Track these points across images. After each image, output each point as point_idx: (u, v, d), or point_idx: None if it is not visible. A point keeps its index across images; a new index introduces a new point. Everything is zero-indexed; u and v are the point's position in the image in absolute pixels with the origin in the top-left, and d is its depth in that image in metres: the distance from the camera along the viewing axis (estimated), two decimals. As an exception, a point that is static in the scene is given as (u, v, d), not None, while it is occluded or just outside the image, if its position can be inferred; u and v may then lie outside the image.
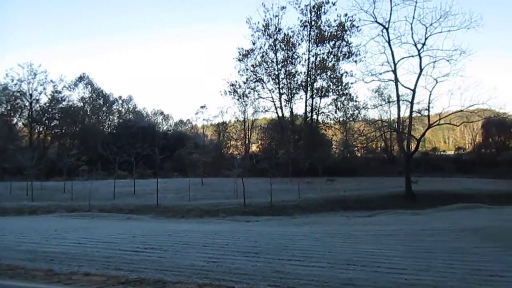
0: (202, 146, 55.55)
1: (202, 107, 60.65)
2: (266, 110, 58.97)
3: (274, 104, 57.04)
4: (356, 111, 55.85)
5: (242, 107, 59.90)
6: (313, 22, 53.74)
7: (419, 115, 37.16)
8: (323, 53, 54.89)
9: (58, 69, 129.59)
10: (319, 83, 55.81)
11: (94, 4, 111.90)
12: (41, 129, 61.84)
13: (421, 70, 31.09)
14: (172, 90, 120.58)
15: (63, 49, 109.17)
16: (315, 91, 55.44)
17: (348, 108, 55.86)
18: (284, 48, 55.68)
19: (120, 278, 6.71)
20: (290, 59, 55.86)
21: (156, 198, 26.55)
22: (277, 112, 57.66)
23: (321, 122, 57.98)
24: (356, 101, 55.29)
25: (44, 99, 60.30)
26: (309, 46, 54.70)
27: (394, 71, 32.49)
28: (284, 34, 55.02)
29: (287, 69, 56.05)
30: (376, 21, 32.82)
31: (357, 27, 49.10)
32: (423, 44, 31.03)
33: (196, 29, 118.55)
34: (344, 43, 53.75)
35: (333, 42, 53.93)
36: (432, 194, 28.70)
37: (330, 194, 28.75)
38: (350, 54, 53.42)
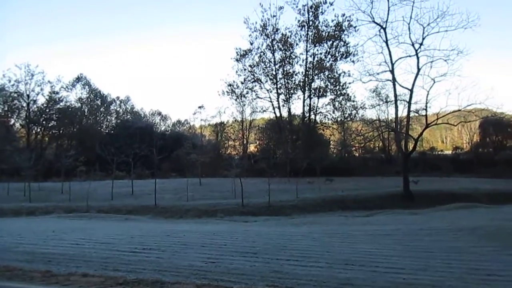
0: (200, 147, 55.61)
1: (200, 107, 60.69)
2: (264, 110, 59.21)
3: (272, 104, 57.24)
4: (354, 111, 56.03)
5: (240, 107, 60.11)
6: (310, 22, 53.88)
7: (416, 115, 37.20)
8: (321, 53, 55.14)
9: (55, 70, 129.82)
10: (316, 83, 56.02)
11: (91, 5, 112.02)
12: (38, 130, 61.66)
13: (418, 70, 31.13)
14: (170, 90, 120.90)
15: (61, 50, 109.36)
16: (312, 91, 55.60)
17: (346, 108, 56.09)
18: (282, 48, 55.77)
19: (118, 279, 6.72)
20: (287, 59, 55.99)
21: (154, 198, 26.54)
22: (275, 112, 57.89)
23: (319, 122, 58.13)
24: (353, 101, 55.55)
25: (41, 100, 60.31)
26: (306, 46, 54.93)
27: (392, 71, 32.54)
28: (282, 34, 55.21)
29: (285, 69, 56.21)
30: (374, 21, 32.88)
31: (355, 27, 49.29)
32: (421, 44, 31.10)
33: (193, 30, 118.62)
34: (342, 43, 53.97)
35: (331, 42, 54.10)
36: (430, 194, 28.73)
37: (328, 194, 28.76)
38: (348, 54, 53.62)
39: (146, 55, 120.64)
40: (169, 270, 7.79)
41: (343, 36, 53.44)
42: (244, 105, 59.68)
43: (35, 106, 59.61)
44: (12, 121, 60.54)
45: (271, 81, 56.89)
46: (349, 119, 57.22)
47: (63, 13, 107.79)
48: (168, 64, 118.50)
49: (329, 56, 54.75)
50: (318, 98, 55.89)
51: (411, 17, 31.24)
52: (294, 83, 56.55)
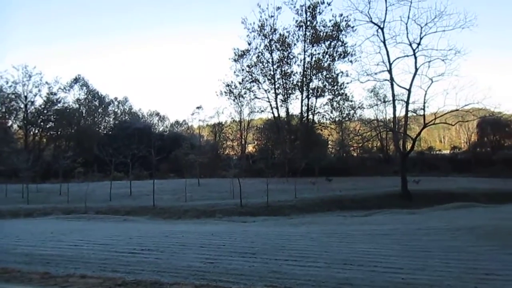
0: (198, 147, 55.62)
1: (198, 107, 60.79)
2: (262, 111, 59.26)
3: (270, 104, 57.30)
4: (352, 111, 56.02)
5: (238, 107, 60.21)
6: (308, 22, 53.88)
7: (414, 114, 37.27)
8: (319, 53, 55.12)
9: (53, 71, 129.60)
10: (314, 83, 56.05)
11: (89, 5, 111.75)
12: (36, 131, 61.55)
13: (416, 69, 31.20)
14: (168, 91, 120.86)
15: (58, 51, 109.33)
16: (310, 91, 55.60)
17: (343, 108, 56.07)
18: (280, 48, 55.83)
19: (116, 280, 6.71)
20: (285, 59, 56.01)
21: (153, 199, 26.52)
22: (273, 112, 57.91)
23: (317, 122, 58.14)
24: (351, 101, 55.54)
25: (39, 101, 60.21)
26: (304, 46, 54.91)
27: (390, 71, 32.59)
28: (280, 34, 55.24)
29: (283, 69, 56.23)
30: (371, 21, 32.91)
31: (352, 27, 49.37)
32: (418, 44, 31.15)
33: (191, 30, 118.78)
34: (340, 43, 54.00)
35: (329, 42, 54.13)
36: (428, 193, 28.78)
37: (327, 194, 28.78)
38: (346, 54, 53.67)
39: (144, 55, 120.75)
40: (167, 271, 7.79)
41: (340, 36, 53.56)
42: (242, 105, 59.88)
43: (32, 107, 59.58)
44: (10, 122, 60.45)
45: (269, 81, 57.03)
46: (347, 119, 57.29)
47: (60, 14, 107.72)
48: (166, 65, 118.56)
49: (327, 56, 54.84)
50: (316, 98, 56.06)
51: (408, 17, 31.35)
52: (292, 83, 56.68)
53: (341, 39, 53.68)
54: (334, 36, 53.40)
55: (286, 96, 56.65)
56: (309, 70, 55.28)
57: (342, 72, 54.49)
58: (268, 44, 55.66)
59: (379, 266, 8.00)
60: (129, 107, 75.70)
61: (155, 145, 32.31)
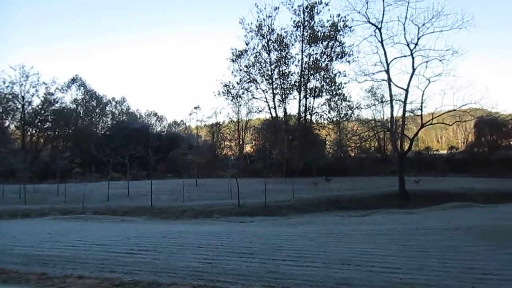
0: (196, 147, 55.56)
1: (195, 108, 60.62)
2: (260, 111, 59.23)
3: (268, 105, 57.27)
4: (350, 111, 56.22)
5: (235, 107, 60.16)
6: (306, 23, 53.96)
7: (412, 114, 37.41)
8: (316, 53, 55.16)
9: (50, 71, 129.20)
10: (312, 83, 56.09)
11: (86, 6, 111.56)
12: (33, 131, 61.48)
13: (413, 70, 31.23)
14: (165, 91, 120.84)
15: (55, 51, 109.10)
16: (308, 91, 55.64)
17: (341, 108, 56.17)
18: (277, 49, 55.83)
19: (114, 280, 6.70)
20: (283, 60, 56.03)
21: (150, 199, 26.45)
22: (270, 113, 57.89)
23: (314, 122, 58.16)
24: (349, 101, 55.70)
25: (36, 101, 60.11)
26: (302, 46, 54.93)
27: (387, 71, 32.62)
28: (277, 34, 55.25)
29: (281, 69, 56.23)
30: (369, 21, 32.95)
31: (350, 27, 49.73)
32: (416, 44, 31.19)
33: (189, 30, 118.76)
34: (337, 43, 54.11)
35: (326, 42, 54.16)
36: (426, 193, 28.81)
37: (324, 194, 28.77)
38: (343, 54, 53.77)
39: (142, 56, 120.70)
40: (165, 271, 7.78)
41: (338, 36, 53.67)
42: (240, 105, 59.83)
43: (30, 107, 59.48)
44: (7, 122, 60.41)
45: (267, 81, 57.00)
46: (344, 119, 57.39)
47: (57, 14, 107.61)
48: (164, 65, 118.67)
49: (325, 56, 54.88)
50: (314, 98, 56.09)
51: (406, 17, 31.37)
52: (290, 83, 56.67)
53: (339, 39, 53.91)
54: (331, 36, 53.50)
55: (284, 96, 56.69)
56: (306, 70, 55.35)
57: (339, 72, 54.70)
58: (266, 44, 55.70)
59: (376, 266, 8.01)
60: (126, 107, 75.80)
61: (152, 145, 32.17)
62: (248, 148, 64.17)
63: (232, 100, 59.12)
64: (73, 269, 7.99)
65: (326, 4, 52.17)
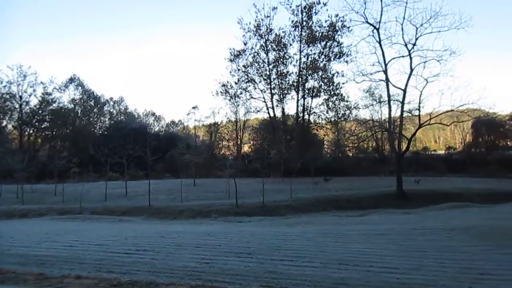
0: (194, 147, 55.54)
1: (193, 107, 60.54)
2: (258, 111, 59.27)
3: (266, 105, 57.30)
4: (348, 111, 56.24)
5: (233, 107, 60.22)
6: (304, 23, 54.01)
7: (410, 115, 37.39)
8: (314, 54, 55.26)
9: (48, 71, 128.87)
10: (310, 83, 56.14)
11: (84, 5, 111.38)
12: (31, 131, 61.38)
13: (411, 70, 31.25)
14: (163, 91, 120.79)
15: (53, 50, 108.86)
16: (306, 91, 55.70)
17: (339, 108, 56.22)
18: (276, 49, 55.85)
19: (112, 280, 6.70)
20: (281, 60, 56.06)
21: (148, 199, 26.41)
22: (268, 113, 57.94)
23: (312, 122, 58.25)
24: (347, 101, 55.74)
25: (34, 101, 60.09)
26: (300, 46, 55.04)
27: (385, 71, 32.64)
28: (276, 34, 55.29)
29: (279, 69, 56.27)
30: (367, 22, 32.96)
31: (348, 27, 49.67)
32: (414, 45, 31.22)
33: (187, 30, 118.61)
34: (335, 43, 54.16)
35: (324, 42, 54.23)
36: (423, 194, 28.84)
37: (322, 194, 28.78)
38: (341, 55, 53.84)
39: (140, 55, 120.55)
40: (163, 271, 7.79)
41: (336, 36, 53.73)
42: (238, 105, 59.90)
43: (27, 107, 59.41)
44: (4, 122, 60.24)
45: (265, 81, 57.05)
46: (342, 119, 57.43)
47: (54, 14, 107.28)
48: (162, 65, 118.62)
49: (323, 56, 54.95)
50: (312, 98, 56.13)
51: (404, 18, 31.38)
52: (288, 83, 56.72)
53: (337, 40, 53.97)
54: (330, 36, 53.55)
55: (282, 96, 56.76)
56: (304, 70, 55.42)
57: (337, 72, 54.80)
58: (264, 44, 55.76)
59: (374, 266, 8.03)
60: (124, 107, 75.79)
61: (150, 145, 32.11)
62: (246, 148, 64.20)
63: (230, 100, 59.27)
64: (71, 269, 7.98)
65: (324, 4, 52.36)
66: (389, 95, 34.80)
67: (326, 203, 26.43)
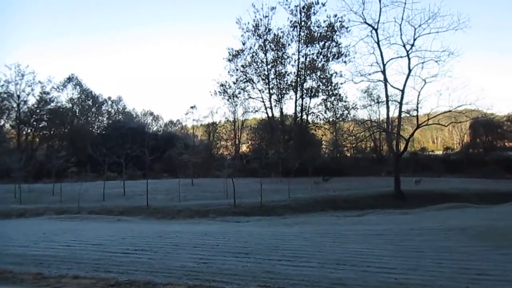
0: (192, 147, 55.45)
1: (192, 107, 60.39)
2: (256, 111, 59.18)
3: (264, 104, 57.23)
4: (346, 111, 56.15)
5: (232, 107, 60.08)
6: (302, 23, 53.94)
7: (408, 115, 37.47)
8: (313, 54, 55.17)
9: (46, 70, 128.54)
10: (308, 84, 56.09)
11: (82, 4, 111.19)
12: (29, 130, 61.07)
13: (409, 70, 31.34)
14: (162, 90, 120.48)
15: (51, 50, 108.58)
16: (304, 91, 55.66)
17: (337, 108, 56.15)
18: (274, 49, 55.81)
19: (109, 280, 6.70)
20: (280, 60, 55.99)
21: (146, 199, 26.42)
22: (267, 112, 57.87)
23: (310, 122, 58.21)
24: (345, 101, 55.63)
25: (32, 101, 59.60)
26: (298, 46, 54.96)
27: (383, 72, 32.71)
28: (274, 34, 55.23)
29: (277, 69, 56.19)
30: (365, 22, 33.01)
31: (347, 28, 49.68)
32: (412, 45, 31.31)
33: (186, 29, 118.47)
34: (334, 43, 54.11)
35: (323, 42, 54.19)
36: (421, 194, 28.92)
37: (320, 194, 28.81)
38: (340, 55, 53.79)
39: (138, 55, 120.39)
40: (161, 271, 7.79)
41: (335, 36, 53.68)
42: (236, 105, 59.73)
43: (25, 106, 59.01)
44: (2, 122, 59.86)
45: (263, 81, 56.98)
46: (341, 119, 57.40)
47: (52, 13, 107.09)
48: (160, 64, 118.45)
49: (321, 56, 54.91)
50: (310, 98, 56.11)
51: (402, 18, 31.49)
52: (286, 83, 56.66)
53: (335, 40, 53.94)
54: (328, 36, 53.52)
55: (280, 96, 56.72)
56: (303, 70, 55.37)
57: (336, 73, 54.79)
58: (262, 44, 55.69)
59: (372, 266, 8.05)
60: (122, 106, 75.48)
61: (148, 144, 32.11)
62: (244, 148, 64.14)
63: (228, 100, 59.14)
64: (68, 269, 7.98)
65: (323, 5, 52.27)
66: (387, 96, 34.89)
67: (324, 203, 26.47)
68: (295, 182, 32.96)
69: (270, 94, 56.57)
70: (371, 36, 33.10)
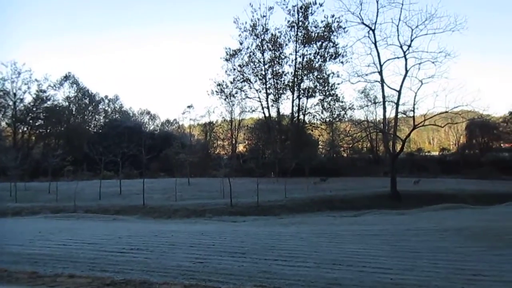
0: (188, 146, 55.32)
1: (189, 106, 60.49)
2: (253, 110, 59.15)
3: (261, 104, 57.19)
4: (342, 112, 56.22)
5: (229, 107, 60.13)
6: (300, 23, 53.94)
7: (404, 116, 37.61)
8: (310, 54, 55.15)
9: (43, 68, 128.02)
10: (305, 84, 56.09)
11: (79, 3, 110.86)
12: (25, 129, 60.90)
13: (406, 71, 31.38)
14: (159, 89, 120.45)
15: (48, 48, 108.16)
16: (301, 91, 55.68)
17: (334, 109, 56.21)
18: (271, 48, 55.78)
19: (105, 279, 6.69)
20: (277, 59, 55.94)
21: (143, 198, 26.36)
22: (264, 112, 57.84)
23: (307, 122, 58.22)
24: (342, 102, 55.72)
25: (28, 99, 59.55)
26: (296, 46, 54.95)
27: (380, 72, 32.75)
28: (272, 34, 55.17)
29: (274, 69, 56.15)
30: (363, 23, 33.06)
31: (344, 28, 49.81)
32: (409, 46, 31.37)
33: (183, 29, 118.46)
34: (331, 44, 54.11)
35: (320, 43, 54.17)
36: (417, 194, 28.99)
37: (316, 194, 28.84)
38: (337, 55, 53.84)
39: (135, 54, 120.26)
40: (157, 270, 7.78)
41: (332, 37, 53.72)
42: (233, 105, 59.79)
43: (21, 104, 58.91)
44: (-2, 120, 59.78)
45: (260, 81, 56.91)
46: (337, 119, 57.42)
47: (50, 10, 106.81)
48: (157, 63, 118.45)
49: (318, 56, 54.92)
50: (307, 99, 56.13)
51: (399, 19, 31.53)
52: (283, 83, 56.62)
53: (333, 40, 53.94)
54: (325, 37, 53.56)
55: (277, 96, 56.67)
56: (300, 70, 55.36)
57: (333, 73, 54.78)
58: (259, 44, 55.61)
59: (368, 267, 8.06)
60: (119, 105, 75.42)
61: (145, 144, 31.99)
62: (241, 148, 64.11)
63: (225, 100, 59.13)
64: (64, 268, 7.96)
65: (321, 5, 52.26)
66: (384, 96, 35.00)
67: (321, 203, 26.50)
68: (292, 182, 32.99)
69: (267, 94, 56.59)
70: (368, 36, 33.21)
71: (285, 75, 56.47)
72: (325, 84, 55.11)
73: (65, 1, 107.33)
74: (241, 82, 57.58)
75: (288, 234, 12.82)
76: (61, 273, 7.24)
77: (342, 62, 53.04)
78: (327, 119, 56.93)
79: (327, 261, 8.49)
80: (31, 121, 60.42)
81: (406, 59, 31.50)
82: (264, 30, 54.86)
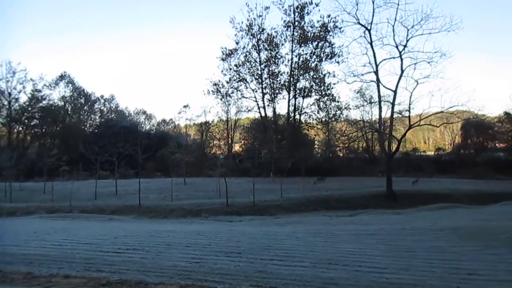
0: (185, 146, 55.27)
1: (185, 106, 60.36)
2: (249, 110, 59.08)
3: (257, 104, 57.15)
4: (338, 112, 56.25)
5: (225, 106, 60.07)
6: (296, 23, 53.97)
7: (400, 116, 37.68)
8: (306, 54, 55.20)
9: (38, 67, 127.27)
10: (302, 83, 56.10)
11: (74, 2, 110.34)
12: (20, 128, 60.60)
13: (402, 71, 31.50)
14: (155, 89, 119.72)
15: (43, 47, 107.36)
16: (298, 91, 55.68)
17: (330, 108, 56.23)
18: (268, 48, 55.75)
19: (101, 279, 6.68)
20: (273, 59, 55.95)
21: (139, 198, 26.31)
22: (260, 112, 57.80)
23: (303, 122, 58.25)
24: (338, 102, 55.64)
25: (23, 98, 59.10)
26: (292, 46, 54.96)
27: (376, 72, 32.83)
28: (268, 34, 55.15)
29: (270, 69, 56.13)
30: (359, 23, 33.11)
31: (340, 28, 49.74)
32: (405, 46, 31.48)
33: (179, 28, 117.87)
34: (327, 44, 54.16)
35: (316, 42, 54.26)
36: (413, 194, 29.09)
37: (313, 194, 28.87)
38: (333, 55, 53.88)
39: (131, 53, 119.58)
40: (153, 270, 7.77)
41: (328, 37, 53.76)
42: (229, 104, 59.72)
43: (17, 104, 58.53)
44: (-7, 119, 59.43)
45: (257, 80, 56.90)
46: (333, 119, 57.53)
47: (45, 10, 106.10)
48: (153, 63, 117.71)
49: (314, 56, 54.98)
50: (303, 98, 56.16)
51: (395, 19, 31.60)
52: (279, 83, 56.64)
53: (329, 40, 54.01)
54: (321, 36, 53.60)
55: (273, 96, 56.65)
56: (296, 70, 55.42)
57: (329, 73, 54.79)
58: (256, 44, 55.59)
59: (363, 266, 8.08)
60: (115, 105, 74.93)
61: (141, 143, 31.96)
62: (237, 147, 64.10)
63: (221, 99, 59.09)
64: (59, 268, 7.93)
65: (317, 5, 52.34)
66: (379, 96, 35.06)
67: (317, 203, 26.54)
68: (288, 182, 33.00)
69: (263, 94, 56.58)
70: (364, 36, 33.26)
71: (281, 74, 56.59)
72: (321, 84, 55.17)
73: (60, 1, 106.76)
74: (237, 82, 57.59)
75: (284, 233, 12.83)
76: (56, 274, 7.22)
77: (338, 62, 53.19)
78: (323, 119, 56.98)
79: (323, 261, 8.51)
80: (26, 121, 60.11)
81: (401, 59, 31.65)
82: (260, 29, 54.89)
